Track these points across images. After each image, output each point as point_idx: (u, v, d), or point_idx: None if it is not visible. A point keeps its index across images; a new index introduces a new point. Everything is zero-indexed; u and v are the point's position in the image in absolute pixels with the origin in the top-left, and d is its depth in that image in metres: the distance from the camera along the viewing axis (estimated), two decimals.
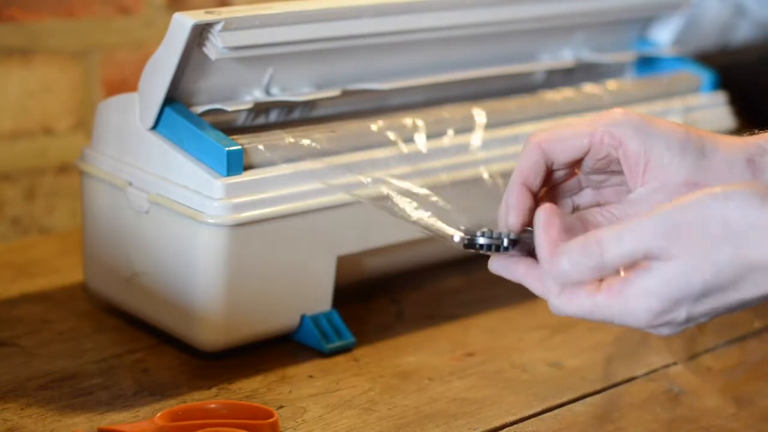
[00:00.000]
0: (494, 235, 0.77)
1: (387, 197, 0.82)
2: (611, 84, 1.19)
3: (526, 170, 0.80)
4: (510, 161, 1.04)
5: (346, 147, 1.00)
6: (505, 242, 0.77)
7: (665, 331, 0.73)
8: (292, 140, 0.98)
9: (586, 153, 0.80)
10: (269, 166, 0.95)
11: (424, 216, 0.82)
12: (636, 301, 0.71)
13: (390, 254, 1.04)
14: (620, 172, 0.80)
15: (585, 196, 0.83)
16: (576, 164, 0.81)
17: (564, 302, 0.74)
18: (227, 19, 0.92)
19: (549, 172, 0.81)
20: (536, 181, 0.80)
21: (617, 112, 0.80)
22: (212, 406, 0.85)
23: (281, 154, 0.96)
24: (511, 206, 0.78)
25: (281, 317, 0.98)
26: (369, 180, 0.97)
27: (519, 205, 0.78)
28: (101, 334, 1.01)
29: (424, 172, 1.00)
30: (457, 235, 0.78)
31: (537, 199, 0.80)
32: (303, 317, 0.99)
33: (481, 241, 0.77)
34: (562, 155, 0.80)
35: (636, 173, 0.79)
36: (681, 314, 0.71)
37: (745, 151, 0.80)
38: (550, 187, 0.82)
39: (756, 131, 0.82)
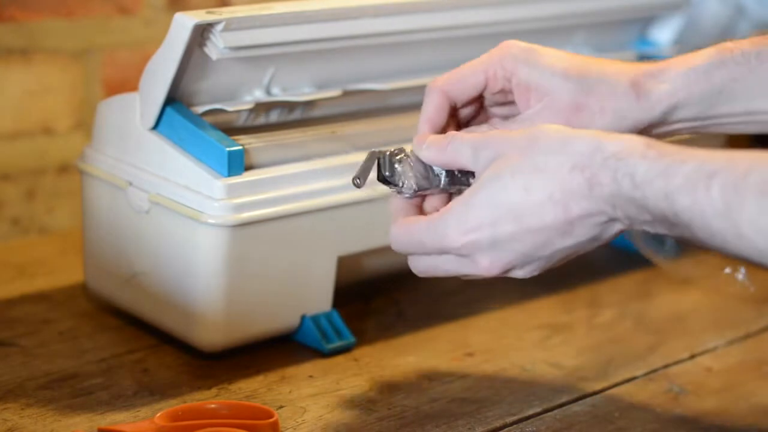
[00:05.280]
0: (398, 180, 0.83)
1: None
2: None
3: (431, 113, 0.86)
4: None
5: (346, 147, 1.00)
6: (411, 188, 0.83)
7: (484, 260, 0.78)
8: (292, 140, 0.98)
9: (484, 88, 0.87)
10: (270, 166, 0.95)
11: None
12: (446, 217, 0.79)
13: (390, 254, 1.04)
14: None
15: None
16: (477, 100, 0.88)
17: (398, 229, 0.81)
18: (228, 19, 0.92)
19: (454, 111, 0.87)
20: (441, 122, 0.86)
21: (506, 44, 0.87)
22: (212, 406, 0.85)
23: (281, 154, 0.96)
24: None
25: (281, 317, 0.98)
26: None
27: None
28: (101, 334, 1.01)
29: None
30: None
31: None
32: (303, 317, 0.99)
33: (389, 178, 0.82)
34: (462, 93, 0.87)
35: (525, 99, 0.86)
36: (484, 236, 0.77)
37: (630, 76, 0.86)
38: (459, 126, 0.89)
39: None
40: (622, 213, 0.75)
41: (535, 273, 0.80)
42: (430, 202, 0.84)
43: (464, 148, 0.81)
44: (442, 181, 0.83)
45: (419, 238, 0.80)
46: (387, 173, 0.82)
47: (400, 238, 0.82)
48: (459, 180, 0.82)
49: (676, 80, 0.86)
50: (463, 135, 0.82)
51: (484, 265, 0.79)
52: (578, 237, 0.77)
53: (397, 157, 0.83)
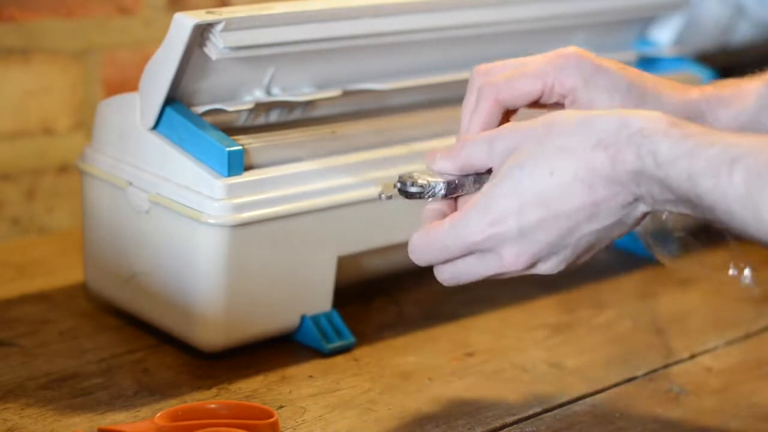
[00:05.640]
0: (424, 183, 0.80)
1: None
2: None
3: (484, 124, 0.84)
4: None
5: (346, 147, 1.00)
6: (441, 188, 0.80)
7: (510, 253, 0.77)
8: (292, 140, 0.98)
9: (540, 96, 0.84)
10: (270, 166, 0.95)
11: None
12: (469, 212, 0.77)
13: (390, 254, 1.04)
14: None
15: None
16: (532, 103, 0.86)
17: (418, 236, 0.80)
18: (228, 19, 0.92)
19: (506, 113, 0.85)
20: (494, 126, 0.84)
21: (567, 55, 0.84)
22: (212, 406, 0.85)
23: (281, 154, 0.96)
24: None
25: (281, 317, 0.98)
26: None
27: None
28: (101, 334, 1.01)
29: None
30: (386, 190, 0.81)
31: None
32: (303, 317, 0.99)
33: (413, 189, 0.80)
34: (515, 101, 0.84)
35: None
36: (511, 226, 0.76)
37: (685, 109, 0.85)
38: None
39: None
40: (646, 191, 0.74)
41: (561, 267, 0.78)
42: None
43: (477, 147, 0.79)
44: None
45: (443, 242, 0.79)
46: (411, 189, 0.80)
47: (421, 245, 0.80)
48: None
49: (728, 123, 0.86)
50: (474, 135, 0.81)
51: (510, 259, 0.77)
52: (604, 220, 0.76)
53: (413, 173, 0.81)
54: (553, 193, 0.76)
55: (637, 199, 0.75)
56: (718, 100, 0.87)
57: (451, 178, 0.80)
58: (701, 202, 0.72)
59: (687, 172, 0.72)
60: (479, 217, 0.77)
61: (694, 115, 0.85)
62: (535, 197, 0.76)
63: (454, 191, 0.81)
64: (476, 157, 0.79)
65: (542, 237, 0.76)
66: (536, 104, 0.86)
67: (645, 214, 0.77)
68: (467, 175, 0.81)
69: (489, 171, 0.80)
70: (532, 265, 0.78)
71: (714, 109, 0.86)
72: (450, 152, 0.81)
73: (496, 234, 0.77)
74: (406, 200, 0.81)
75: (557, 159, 0.75)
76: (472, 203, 0.78)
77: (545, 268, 0.79)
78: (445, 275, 0.81)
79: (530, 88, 0.84)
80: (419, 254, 0.80)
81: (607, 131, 0.75)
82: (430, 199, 0.81)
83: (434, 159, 0.81)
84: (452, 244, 0.78)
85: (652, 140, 0.73)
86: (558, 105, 0.85)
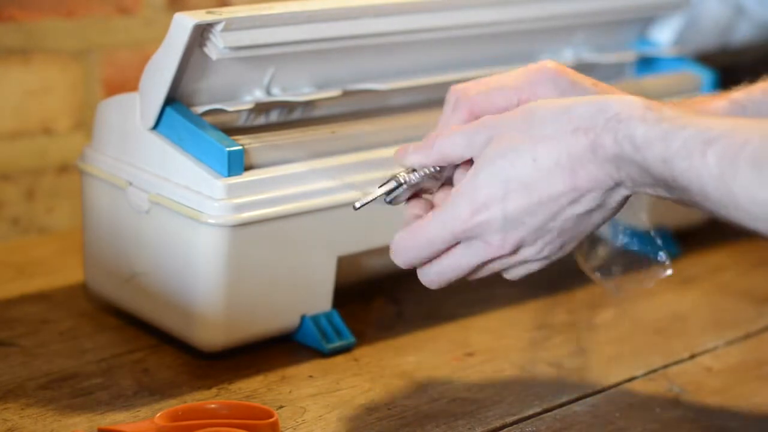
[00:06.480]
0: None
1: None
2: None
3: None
4: None
5: (346, 147, 1.00)
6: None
7: (495, 239, 0.78)
8: (292, 140, 0.98)
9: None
10: (270, 166, 0.95)
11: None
12: (454, 201, 0.79)
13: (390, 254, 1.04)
14: None
15: None
16: None
17: (401, 234, 0.81)
18: (228, 19, 0.92)
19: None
20: None
21: (542, 68, 0.85)
22: (212, 406, 0.85)
23: (281, 154, 0.96)
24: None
25: (281, 317, 0.98)
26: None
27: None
28: (101, 334, 1.01)
29: None
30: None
31: None
32: (303, 317, 0.99)
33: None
34: (488, 112, 0.84)
35: None
36: (496, 213, 0.77)
37: None
38: None
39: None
40: (626, 175, 0.76)
41: (545, 253, 0.80)
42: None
43: (454, 139, 0.80)
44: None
45: (427, 236, 0.80)
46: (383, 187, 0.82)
47: (404, 244, 0.81)
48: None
49: None
50: (448, 129, 0.82)
51: (496, 244, 0.79)
52: (586, 204, 0.77)
53: (387, 184, 0.82)
54: (536, 179, 0.77)
55: (618, 184, 0.77)
56: (686, 111, 0.87)
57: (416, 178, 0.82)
58: (676, 183, 0.74)
59: (662, 156, 0.74)
60: (463, 206, 0.78)
61: None
62: (519, 184, 0.77)
63: (433, 176, 0.82)
64: (453, 149, 0.81)
65: (527, 221, 0.78)
66: None
67: (626, 198, 0.78)
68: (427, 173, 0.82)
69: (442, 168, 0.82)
70: (517, 249, 0.79)
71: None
72: (421, 147, 0.82)
73: (482, 221, 0.78)
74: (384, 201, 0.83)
75: (539, 146, 0.77)
76: (454, 193, 0.79)
77: (530, 252, 0.80)
78: (431, 275, 0.82)
79: (505, 102, 0.85)
80: (403, 254, 0.82)
81: (585, 117, 0.76)
82: (407, 189, 0.82)
83: (405, 154, 0.83)
84: (437, 236, 0.79)
85: (628, 125, 0.75)
86: None
